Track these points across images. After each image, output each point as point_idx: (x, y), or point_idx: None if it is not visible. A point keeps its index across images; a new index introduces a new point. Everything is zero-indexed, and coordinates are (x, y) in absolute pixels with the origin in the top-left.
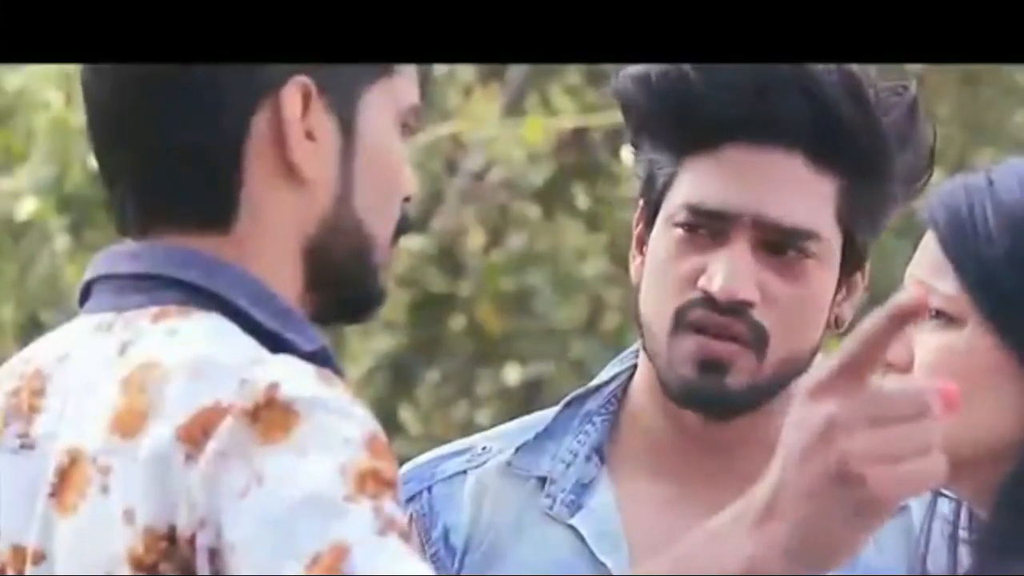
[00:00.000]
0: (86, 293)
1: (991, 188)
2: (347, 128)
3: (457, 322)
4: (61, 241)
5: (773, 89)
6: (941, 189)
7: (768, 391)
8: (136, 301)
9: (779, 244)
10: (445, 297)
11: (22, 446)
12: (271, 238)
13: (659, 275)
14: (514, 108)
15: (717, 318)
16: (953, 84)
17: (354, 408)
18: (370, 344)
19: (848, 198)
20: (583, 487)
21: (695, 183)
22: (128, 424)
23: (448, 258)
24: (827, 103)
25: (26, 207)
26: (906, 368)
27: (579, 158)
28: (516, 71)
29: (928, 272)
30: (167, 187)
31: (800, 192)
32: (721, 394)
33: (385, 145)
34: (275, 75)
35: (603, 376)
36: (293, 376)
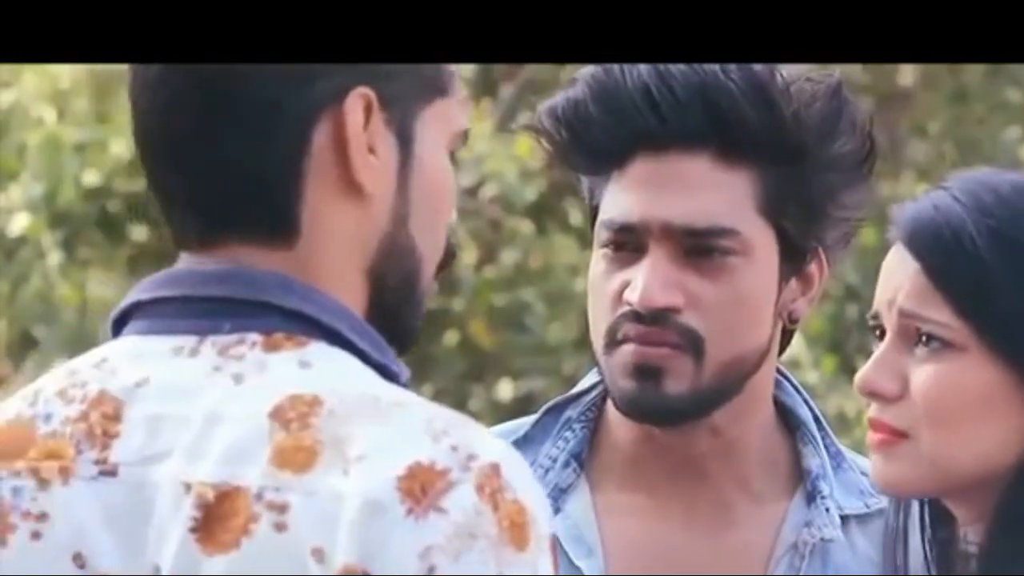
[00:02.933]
0: (127, 314)
1: (965, 207)
2: (405, 145)
3: (450, 338)
4: (54, 257)
5: (667, 96)
6: (909, 213)
7: (714, 395)
8: (225, 325)
9: (697, 246)
10: (438, 313)
11: (101, 473)
12: (335, 256)
13: (594, 297)
14: (506, 124)
15: (644, 329)
16: (944, 102)
17: (546, 498)
18: None
19: (767, 190)
20: (561, 492)
21: (609, 203)
22: (297, 460)
23: (441, 274)
24: (724, 99)
25: (19, 223)
26: (896, 399)
27: (572, 174)
28: (508, 88)
29: (915, 301)
30: (226, 203)
31: (708, 191)
32: (661, 401)
33: (439, 165)
34: (334, 87)
35: (584, 384)
36: (509, 460)
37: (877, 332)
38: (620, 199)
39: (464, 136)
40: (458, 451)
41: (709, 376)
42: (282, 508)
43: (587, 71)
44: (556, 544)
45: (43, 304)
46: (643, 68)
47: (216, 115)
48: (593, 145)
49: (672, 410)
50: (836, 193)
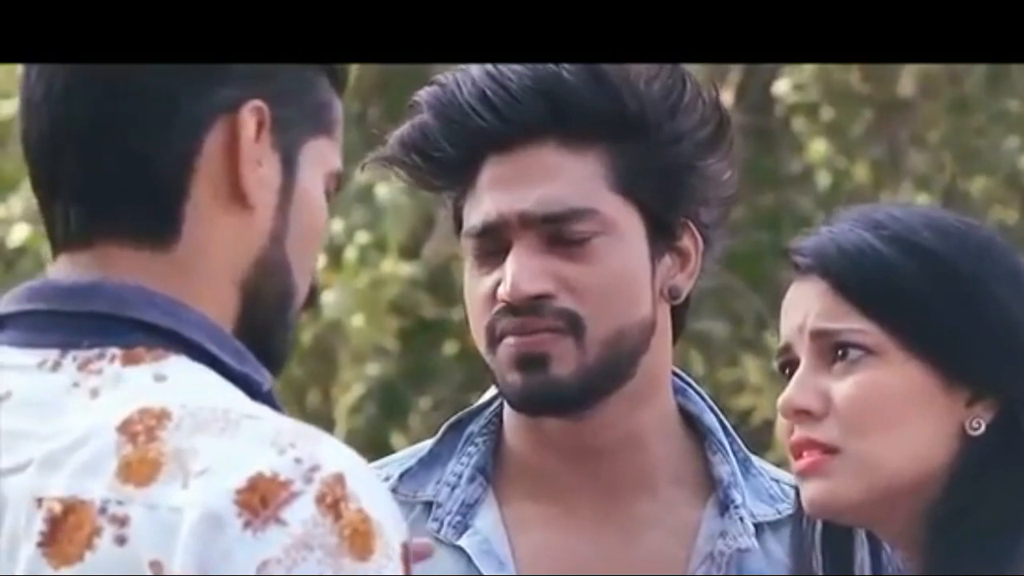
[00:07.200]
0: (1, 322)
1: (862, 227)
2: (289, 169)
3: (449, 348)
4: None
5: (502, 95)
6: (810, 242)
7: (603, 375)
8: (87, 340)
9: (559, 233)
10: (437, 323)
11: None
12: (211, 265)
13: (471, 306)
14: None
15: (519, 321)
16: (943, 111)
17: (397, 508)
18: (362, 370)
19: (618, 168)
20: (469, 507)
21: (469, 212)
22: (141, 473)
23: (440, 284)
24: (558, 86)
25: (19, 234)
26: (821, 416)
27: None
28: None
29: (826, 317)
30: (112, 196)
31: (559, 178)
32: (551, 387)
33: (318, 199)
34: (233, 95)
35: (485, 397)
36: (354, 471)
37: (787, 370)
38: (478, 205)
39: (338, 179)
40: (302, 463)
41: (594, 355)
42: (123, 521)
43: (424, 93)
44: (408, 555)
45: None
46: (476, 74)
47: (114, 107)
48: (443, 160)
49: (562, 395)
50: (695, 165)
